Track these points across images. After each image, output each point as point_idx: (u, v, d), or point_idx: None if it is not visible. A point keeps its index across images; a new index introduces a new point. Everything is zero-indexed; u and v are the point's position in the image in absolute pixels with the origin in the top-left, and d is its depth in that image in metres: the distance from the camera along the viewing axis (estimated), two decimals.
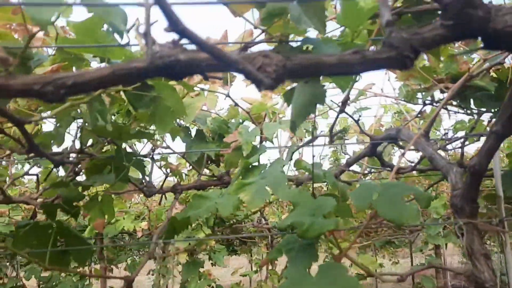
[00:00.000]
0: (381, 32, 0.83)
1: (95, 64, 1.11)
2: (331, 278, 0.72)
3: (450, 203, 1.17)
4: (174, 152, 1.63)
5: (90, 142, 1.46)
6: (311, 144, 1.27)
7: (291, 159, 1.61)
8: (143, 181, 1.59)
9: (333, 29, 0.99)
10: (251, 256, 5.82)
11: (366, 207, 0.94)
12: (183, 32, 0.39)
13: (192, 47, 0.44)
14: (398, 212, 0.91)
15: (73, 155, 1.40)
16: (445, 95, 1.40)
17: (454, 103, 1.61)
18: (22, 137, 0.91)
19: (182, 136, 1.62)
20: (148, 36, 0.44)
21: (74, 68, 1.06)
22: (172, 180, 1.97)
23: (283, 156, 1.50)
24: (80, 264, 1.07)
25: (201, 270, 3.69)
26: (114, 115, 1.62)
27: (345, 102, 1.22)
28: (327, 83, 1.35)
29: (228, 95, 1.43)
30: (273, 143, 1.62)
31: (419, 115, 1.62)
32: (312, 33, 0.83)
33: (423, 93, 1.57)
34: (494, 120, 1.37)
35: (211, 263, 4.22)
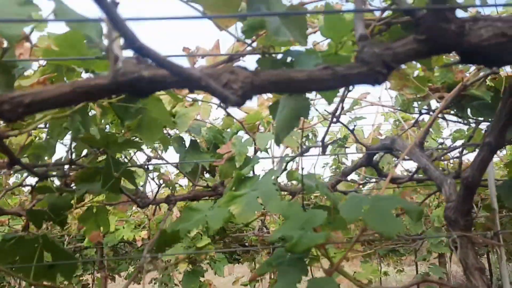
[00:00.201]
0: None
1: (86, 76, 1.10)
2: None
3: (444, 216, 1.14)
4: (167, 163, 1.62)
5: (85, 152, 1.45)
6: (303, 155, 1.26)
7: (285, 169, 1.60)
8: (137, 191, 1.58)
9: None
10: (254, 264, 5.78)
11: (355, 220, 0.92)
12: (140, 49, 0.38)
13: None
14: (387, 225, 0.89)
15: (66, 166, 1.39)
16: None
17: (452, 112, 1.59)
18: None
19: (176, 147, 1.61)
20: (110, 52, 0.43)
21: (65, 79, 1.06)
22: (169, 191, 1.95)
23: (276, 166, 1.49)
24: (66, 278, 1.06)
25: (202, 279, 3.66)
26: (109, 125, 1.61)
27: (335, 112, 1.21)
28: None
29: (220, 105, 1.42)
30: (267, 153, 1.61)
31: (415, 125, 1.60)
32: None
33: (419, 103, 1.56)
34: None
35: (214, 272, 4.19)
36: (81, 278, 4.95)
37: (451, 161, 2.09)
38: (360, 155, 1.79)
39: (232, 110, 1.63)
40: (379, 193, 1.14)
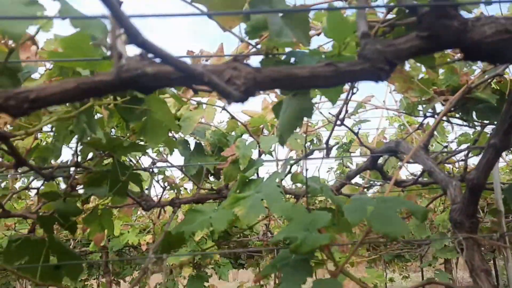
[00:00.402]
0: None
1: None
2: None
3: (449, 218, 1.14)
4: (172, 166, 1.63)
5: (91, 155, 1.46)
6: (307, 158, 1.26)
7: (289, 172, 1.59)
8: (142, 194, 1.59)
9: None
10: (258, 270, 5.77)
11: (360, 222, 0.92)
12: (142, 44, 0.38)
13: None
14: (392, 226, 0.89)
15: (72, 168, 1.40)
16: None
17: (457, 115, 1.59)
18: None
19: (180, 150, 1.62)
20: (114, 49, 0.43)
21: None
22: (174, 194, 1.96)
23: (281, 169, 1.49)
24: (73, 280, 1.06)
25: (206, 284, 3.65)
26: (114, 128, 1.62)
27: (339, 115, 1.21)
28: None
29: (224, 108, 1.43)
30: (272, 156, 1.61)
31: (420, 128, 1.59)
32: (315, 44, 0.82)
33: (424, 106, 1.55)
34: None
35: (219, 277, 4.19)
36: (86, 283, 4.96)
37: (456, 165, 2.08)
38: (365, 159, 1.78)
39: (236, 114, 1.64)
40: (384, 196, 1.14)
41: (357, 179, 2.17)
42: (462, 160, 1.74)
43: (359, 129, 1.60)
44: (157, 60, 0.45)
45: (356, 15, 0.50)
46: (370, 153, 1.56)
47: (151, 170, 1.68)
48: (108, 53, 0.78)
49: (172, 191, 1.94)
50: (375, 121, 5.28)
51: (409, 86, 1.32)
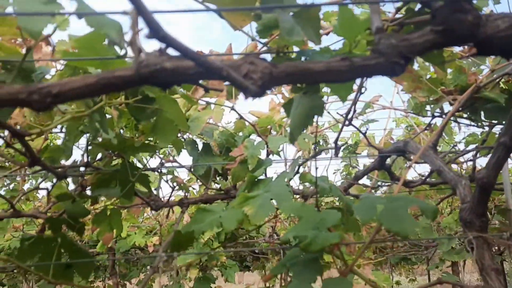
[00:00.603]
0: None
1: None
2: None
3: (459, 217, 1.14)
4: (181, 166, 1.64)
5: (100, 155, 1.47)
6: (315, 158, 1.27)
7: (297, 172, 1.60)
8: (151, 194, 1.60)
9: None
10: (265, 272, 5.76)
11: (370, 220, 0.92)
12: (164, 38, 0.39)
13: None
14: (403, 224, 0.89)
15: (81, 168, 1.41)
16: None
17: (465, 115, 1.59)
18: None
19: (189, 150, 1.62)
20: (134, 45, 0.44)
21: None
22: (182, 194, 1.97)
23: (289, 169, 1.49)
24: (84, 278, 1.07)
25: (213, 286, 3.66)
26: (123, 129, 1.63)
27: (347, 115, 1.21)
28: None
29: (233, 108, 1.44)
30: (280, 156, 1.61)
31: (427, 128, 1.59)
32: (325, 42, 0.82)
33: (432, 106, 1.55)
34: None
35: (224, 280, 4.19)
36: (92, 285, 4.97)
37: (464, 165, 2.08)
38: (372, 160, 1.78)
39: (244, 114, 1.64)
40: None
41: (365, 180, 2.17)
42: (470, 160, 1.74)
43: (367, 129, 1.60)
44: (175, 56, 0.46)
45: (370, 10, 0.51)
46: (378, 153, 1.56)
47: (159, 170, 1.69)
48: (122, 52, 0.79)
49: (179, 192, 1.95)
50: (382, 122, 5.27)
51: (418, 86, 1.32)
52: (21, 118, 1.35)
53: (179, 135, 1.62)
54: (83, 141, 1.41)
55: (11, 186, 2.71)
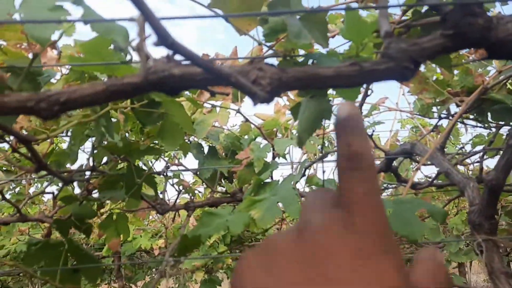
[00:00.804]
0: None
1: None
2: None
3: (467, 220, 1.13)
4: (186, 169, 1.63)
5: (105, 159, 1.47)
6: (322, 160, 1.26)
7: (304, 175, 1.59)
8: (157, 198, 1.60)
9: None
10: None
11: None
12: (172, 45, 0.39)
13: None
14: (411, 228, 0.89)
15: (87, 172, 1.41)
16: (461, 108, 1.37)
17: (472, 117, 1.58)
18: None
19: (194, 153, 1.62)
20: (141, 51, 0.44)
21: None
22: (187, 197, 1.97)
23: (295, 172, 1.49)
24: (91, 282, 1.07)
25: None
26: (128, 133, 1.63)
27: None
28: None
29: (238, 111, 1.43)
30: (286, 159, 1.61)
31: (434, 130, 1.59)
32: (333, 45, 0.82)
33: (438, 107, 1.54)
34: None
35: (230, 282, 4.18)
36: None
37: (471, 167, 2.06)
38: (378, 162, 1.77)
39: (249, 117, 1.64)
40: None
41: None
42: (477, 162, 1.72)
43: (373, 131, 1.59)
44: (183, 62, 0.45)
45: (378, 14, 0.50)
46: (384, 155, 1.55)
47: (165, 173, 1.69)
48: (127, 58, 0.79)
49: (184, 195, 1.94)
50: (387, 124, 5.27)
51: (424, 87, 1.31)
52: (26, 122, 1.36)
53: (185, 138, 1.62)
54: (88, 144, 1.41)
55: (17, 189, 2.72)
